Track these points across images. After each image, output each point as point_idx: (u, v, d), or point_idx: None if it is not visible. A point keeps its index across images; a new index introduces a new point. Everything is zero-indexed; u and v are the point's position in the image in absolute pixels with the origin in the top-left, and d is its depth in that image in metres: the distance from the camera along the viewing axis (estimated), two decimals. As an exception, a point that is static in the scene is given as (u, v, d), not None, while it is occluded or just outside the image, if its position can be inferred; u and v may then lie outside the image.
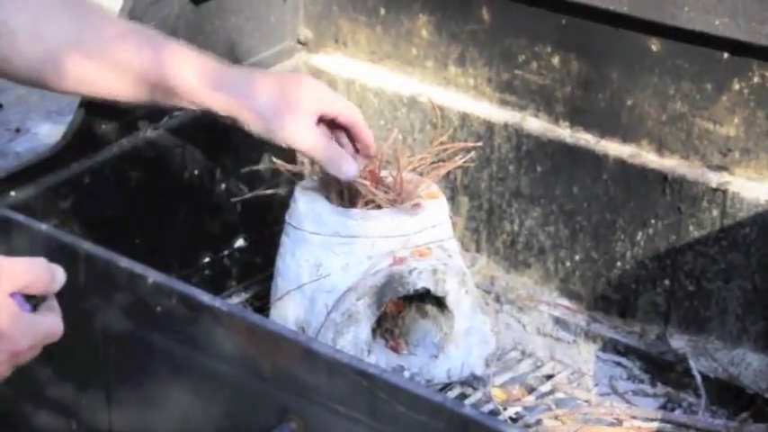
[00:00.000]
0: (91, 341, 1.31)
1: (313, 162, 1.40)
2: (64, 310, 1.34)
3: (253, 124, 1.34)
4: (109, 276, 1.25)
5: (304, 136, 1.34)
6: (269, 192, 1.49)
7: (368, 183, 1.40)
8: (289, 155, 1.45)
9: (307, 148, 1.35)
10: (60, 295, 1.30)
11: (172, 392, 1.28)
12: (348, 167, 1.35)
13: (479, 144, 1.54)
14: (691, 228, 1.45)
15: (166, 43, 1.33)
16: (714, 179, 1.43)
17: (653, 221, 1.48)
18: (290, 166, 1.46)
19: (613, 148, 1.50)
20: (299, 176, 1.46)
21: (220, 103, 1.33)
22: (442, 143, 1.45)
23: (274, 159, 1.44)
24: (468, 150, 1.48)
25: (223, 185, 1.64)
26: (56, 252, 1.23)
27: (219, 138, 1.62)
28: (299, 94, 1.34)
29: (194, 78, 1.32)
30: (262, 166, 1.51)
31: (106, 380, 1.32)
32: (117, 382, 1.31)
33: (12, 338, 1.00)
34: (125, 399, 1.31)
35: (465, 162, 1.46)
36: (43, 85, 1.34)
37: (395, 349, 1.47)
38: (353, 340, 1.38)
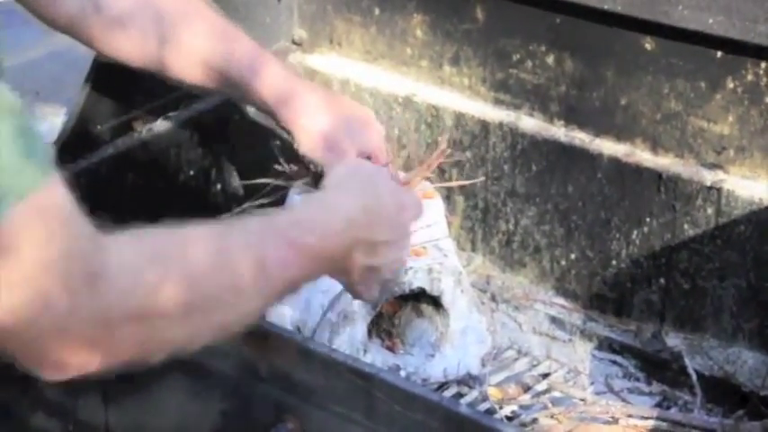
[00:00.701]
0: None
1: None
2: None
3: (303, 146, 1.38)
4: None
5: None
6: (262, 201, 1.49)
7: None
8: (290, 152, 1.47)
9: None
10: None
11: (168, 393, 1.28)
12: None
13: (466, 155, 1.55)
14: (685, 226, 1.45)
15: (244, 40, 1.36)
16: (709, 177, 1.43)
17: (648, 220, 1.48)
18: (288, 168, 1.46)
19: (608, 146, 1.51)
20: (299, 175, 1.46)
21: (284, 117, 1.37)
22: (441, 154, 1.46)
23: (282, 163, 1.45)
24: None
25: (218, 186, 1.64)
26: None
27: (215, 139, 1.62)
28: (354, 138, 1.37)
29: (266, 88, 1.35)
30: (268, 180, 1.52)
31: (102, 380, 1.32)
32: (113, 383, 1.31)
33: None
34: (121, 399, 1.31)
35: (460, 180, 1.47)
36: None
37: (391, 349, 1.47)
38: (349, 340, 1.38)
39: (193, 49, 1.35)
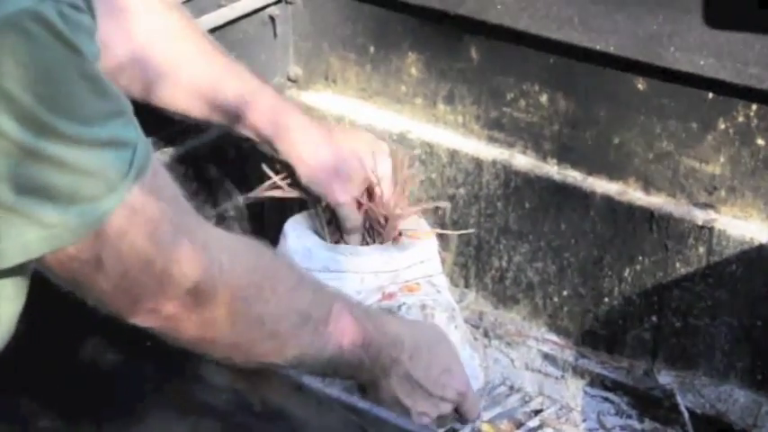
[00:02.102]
0: (80, 375, 1.31)
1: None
2: (53, 340, 1.35)
3: (303, 178, 1.42)
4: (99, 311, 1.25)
5: (346, 212, 1.42)
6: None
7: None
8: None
9: (342, 217, 1.43)
10: (49, 324, 1.30)
11: (162, 427, 1.28)
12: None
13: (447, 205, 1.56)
14: (677, 265, 1.46)
15: (241, 72, 1.40)
16: (700, 217, 1.44)
17: (640, 258, 1.49)
18: (289, 194, 1.47)
19: (600, 185, 1.52)
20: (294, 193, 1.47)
21: (282, 150, 1.41)
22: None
23: (278, 182, 1.46)
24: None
25: (214, 221, 1.64)
26: (47, 279, 1.24)
27: (210, 174, 1.63)
28: (350, 168, 1.41)
29: (261, 120, 1.40)
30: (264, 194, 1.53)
31: (96, 413, 1.31)
32: (106, 417, 1.31)
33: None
34: (114, 430, 1.31)
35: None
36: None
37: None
38: (343, 375, 1.39)
39: (190, 81, 1.37)
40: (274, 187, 1.46)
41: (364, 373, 1.15)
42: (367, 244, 1.43)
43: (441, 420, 1.26)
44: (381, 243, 1.44)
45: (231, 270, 0.94)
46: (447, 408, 1.22)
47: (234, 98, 1.39)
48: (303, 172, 1.41)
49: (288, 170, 1.44)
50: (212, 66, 1.39)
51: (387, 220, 1.43)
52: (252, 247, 0.99)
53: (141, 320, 0.95)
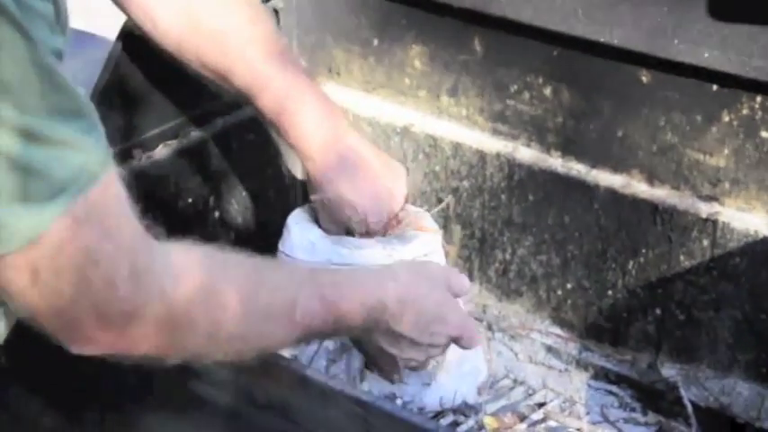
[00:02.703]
0: (83, 369, 1.31)
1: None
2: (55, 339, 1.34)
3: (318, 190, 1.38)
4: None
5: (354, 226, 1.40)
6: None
7: None
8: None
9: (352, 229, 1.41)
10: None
11: (165, 420, 1.28)
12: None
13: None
14: (681, 257, 1.46)
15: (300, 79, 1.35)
16: (704, 209, 1.44)
17: (644, 251, 1.49)
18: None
19: (604, 178, 1.51)
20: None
21: (310, 168, 1.37)
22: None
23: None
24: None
25: (217, 214, 1.64)
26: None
27: (214, 167, 1.63)
28: (385, 205, 1.38)
29: (311, 143, 1.36)
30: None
31: (100, 408, 1.32)
32: (110, 410, 1.31)
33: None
34: (118, 427, 1.31)
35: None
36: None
37: (389, 379, 1.47)
38: (347, 368, 1.39)
39: (238, 50, 1.34)
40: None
41: (342, 337, 1.14)
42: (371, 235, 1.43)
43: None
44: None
45: (173, 293, 0.90)
46: (437, 351, 1.21)
47: (286, 111, 1.34)
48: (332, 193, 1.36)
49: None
50: (253, 44, 1.34)
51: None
52: (201, 263, 0.94)
53: (80, 349, 0.90)
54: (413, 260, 1.25)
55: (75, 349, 0.90)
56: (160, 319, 0.90)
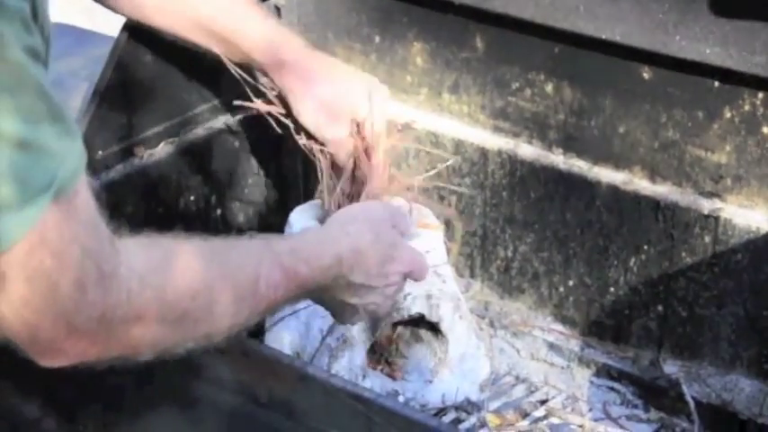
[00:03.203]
0: (84, 368, 1.31)
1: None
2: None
3: (294, 112, 1.41)
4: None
5: (334, 149, 1.41)
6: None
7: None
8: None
9: (334, 150, 1.42)
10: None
11: (167, 418, 1.28)
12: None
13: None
14: (683, 254, 1.46)
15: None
16: (706, 206, 1.44)
17: (646, 248, 1.49)
18: (279, 110, 1.45)
19: (606, 174, 1.51)
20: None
21: (278, 82, 1.40)
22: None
23: (271, 98, 1.45)
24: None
25: (219, 211, 1.65)
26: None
27: (216, 164, 1.63)
28: (345, 105, 1.40)
29: (258, 48, 1.39)
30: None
31: (101, 405, 1.32)
32: (112, 409, 1.31)
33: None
34: (120, 428, 1.31)
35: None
36: None
37: (391, 376, 1.47)
38: (348, 365, 1.39)
39: (192, 8, 1.38)
40: (268, 103, 1.45)
41: (305, 300, 1.16)
42: (351, 198, 1.42)
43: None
44: (366, 193, 1.42)
45: (141, 293, 0.90)
46: (394, 289, 1.22)
47: (232, 28, 1.39)
48: (294, 105, 1.40)
49: (282, 101, 1.44)
50: None
51: (370, 158, 1.42)
52: (163, 260, 0.94)
53: (49, 362, 0.90)
54: (355, 208, 1.26)
55: (45, 362, 0.89)
56: (129, 321, 0.90)
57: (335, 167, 1.43)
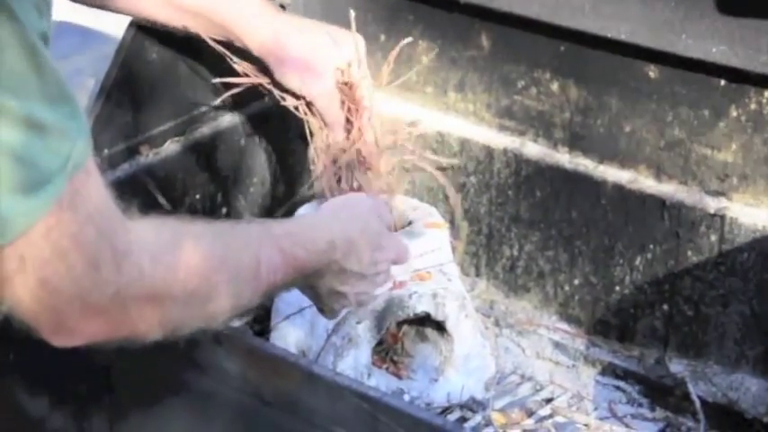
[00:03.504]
0: (93, 364, 1.31)
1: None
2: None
3: (276, 73, 1.41)
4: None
5: (325, 104, 1.41)
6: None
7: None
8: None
9: (321, 107, 1.42)
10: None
11: (174, 416, 1.28)
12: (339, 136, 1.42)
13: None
14: (689, 253, 1.46)
15: None
16: (712, 205, 1.44)
17: (651, 246, 1.49)
18: (258, 80, 1.45)
19: (612, 173, 1.51)
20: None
21: (253, 47, 1.40)
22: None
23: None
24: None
25: (224, 210, 1.65)
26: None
27: (221, 163, 1.63)
28: (323, 57, 1.40)
29: (231, 19, 1.39)
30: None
31: (109, 403, 1.32)
32: (119, 405, 1.32)
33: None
34: (127, 422, 1.32)
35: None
36: None
37: (396, 375, 1.47)
38: (354, 363, 1.39)
39: None
40: (245, 76, 1.44)
41: (299, 286, 1.18)
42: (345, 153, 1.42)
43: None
44: (359, 143, 1.42)
45: (152, 272, 0.92)
46: (382, 278, 1.25)
47: (200, 2, 1.39)
48: (275, 66, 1.40)
49: (260, 65, 1.43)
50: None
51: (358, 109, 1.42)
52: (173, 240, 0.97)
53: (63, 340, 0.91)
54: (341, 199, 1.29)
55: (58, 341, 0.91)
56: (141, 299, 0.92)
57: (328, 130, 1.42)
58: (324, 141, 1.43)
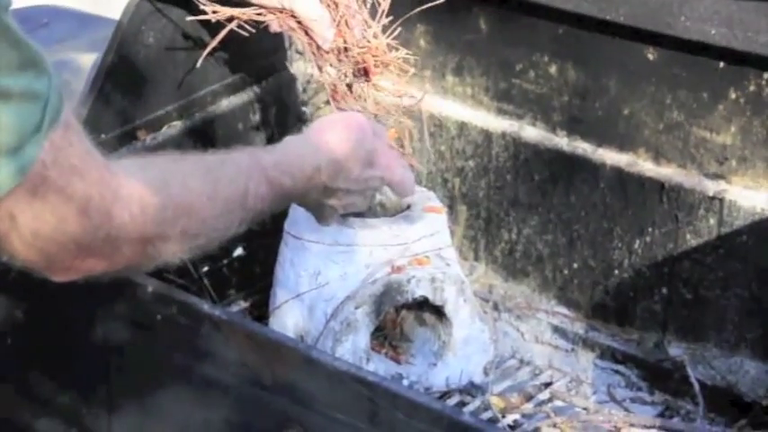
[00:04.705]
0: (92, 350, 1.31)
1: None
2: (65, 321, 1.35)
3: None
4: (109, 286, 1.26)
5: (309, 3, 1.40)
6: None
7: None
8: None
9: (300, 7, 1.40)
10: (61, 306, 1.31)
11: (172, 401, 1.28)
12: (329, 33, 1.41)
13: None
14: (688, 236, 1.46)
15: None
16: (711, 187, 1.44)
17: (650, 230, 1.49)
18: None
19: (610, 156, 1.51)
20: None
21: None
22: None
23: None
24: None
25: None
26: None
27: (219, 147, 1.63)
28: None
29: None
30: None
31: (107, 388, 1.32)
32: (118, 391, 1.32)
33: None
34: (126, 407, 1.32)
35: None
36: None
37: (395, 359, 1.47)
38: (352, 348, 1.39)
39: None
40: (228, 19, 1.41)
41: (283, 206, 1.24)
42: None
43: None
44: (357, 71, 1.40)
45: (143, 214, 0.96)
46: (372, 191, 1.29)
47: None
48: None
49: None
50: None
51: (337, 3, 1.39)
52: (161, 180, 1.00)
53: (61, 277, 0.96)
54: (335, 116, 1.31)
55: (57, 278, 0.95)
56: (134, 239, 0.96)
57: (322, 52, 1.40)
58: (318, 53, 1.40)
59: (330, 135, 1.23)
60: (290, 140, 1.25)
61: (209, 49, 1.46)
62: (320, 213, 1.27)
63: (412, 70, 1.42)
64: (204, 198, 1.04)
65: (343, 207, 1.26)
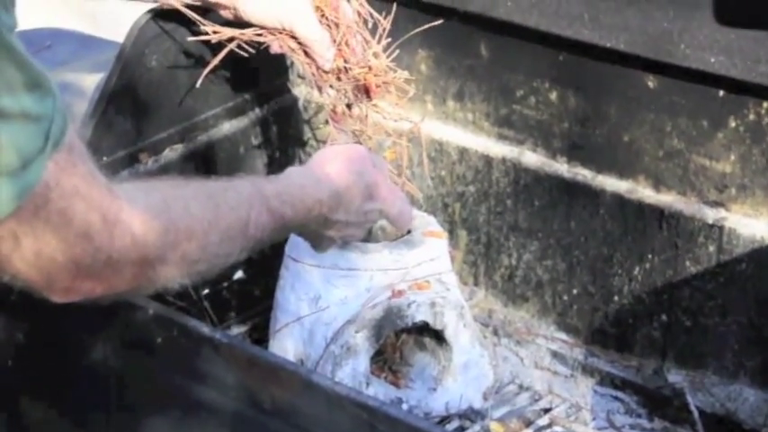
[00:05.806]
0: (92, 372, 1.31)
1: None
2: (65, 342, 1.35)
3: (253, 12, 1.41)
4: (110, 308, 1.26)
5: (302, 20, 1.40)
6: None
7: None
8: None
9: (300, 28, 1.40)
10: (61, 327, 1.31)
11: (172, 423, 1.28)
12: (330, 54, 1.41)
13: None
14: (687, 263, 1.46)
15: None
16: (711, 215, 1.44)
17: (650, 256, 1.49)
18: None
19: (610, 183, 1.51)
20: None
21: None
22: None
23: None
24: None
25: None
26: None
27: (220, 171, 1.63)
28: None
29: None
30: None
31: (107, 409, 1.32)
32: (117, 413, 1.31)
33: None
34: (125, 429, 1.31)
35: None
36: None
37: (395, 384, 1.47)
38: (352, 372, 1.39)
39: None
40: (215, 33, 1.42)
41: (282, 237, 1.24)
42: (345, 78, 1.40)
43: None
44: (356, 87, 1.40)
45: (144, 238, 0.96)
46: (372, 223, 1.31)
47: None
48: (240, 3, 1.39)
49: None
50: None
51: (338, 24, 1.39)
52: (164, 204, 1.01)
53: (60, 298, 0.96)
54: (336, 148, 1.31)
55: (57, 299, 0.96)
56: (135, 262, 0.96)
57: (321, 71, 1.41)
58: (317, 74, 1.41)
59: (332, 167, 1.23)
60: (292, 171, 1.25)
61: (209, 67, 1.47)
62: (318, 243, 1.28)
63: (412, 91, 1.42)
64: (206, 223, 1.04)
65: (341, 238, 1.27)
